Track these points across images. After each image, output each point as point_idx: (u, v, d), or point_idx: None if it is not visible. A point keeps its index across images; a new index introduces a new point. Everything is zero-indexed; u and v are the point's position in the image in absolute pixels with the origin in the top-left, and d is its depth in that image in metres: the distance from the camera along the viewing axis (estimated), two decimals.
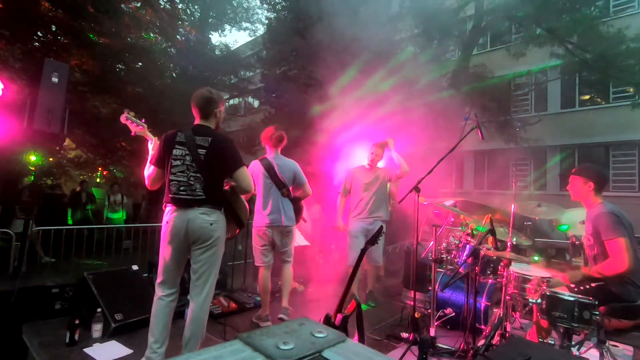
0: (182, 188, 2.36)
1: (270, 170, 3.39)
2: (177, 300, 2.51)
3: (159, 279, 2.46)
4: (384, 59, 9.37)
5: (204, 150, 2.36)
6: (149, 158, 2.54)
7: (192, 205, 2.34)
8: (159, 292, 2.46)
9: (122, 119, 2.57)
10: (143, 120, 2.61)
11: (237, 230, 2.63)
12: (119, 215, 8.87)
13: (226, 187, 2.52)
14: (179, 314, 2.96)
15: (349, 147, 5.55)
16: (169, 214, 2.40)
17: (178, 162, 2.37)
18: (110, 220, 8.53)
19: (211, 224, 2.36)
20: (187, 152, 2.37)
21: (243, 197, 3.68)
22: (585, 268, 2.69)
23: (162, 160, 2.45)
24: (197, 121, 2.52)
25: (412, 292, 3.02)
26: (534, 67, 11.55)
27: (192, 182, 2.35)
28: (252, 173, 3.40)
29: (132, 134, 2.63)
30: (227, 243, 2.62)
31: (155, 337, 2.39)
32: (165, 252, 2.43)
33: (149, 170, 2.52)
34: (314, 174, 6.34)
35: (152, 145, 2.60)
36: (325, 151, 6.82)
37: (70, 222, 7.98)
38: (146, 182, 2.55)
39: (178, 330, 2.61)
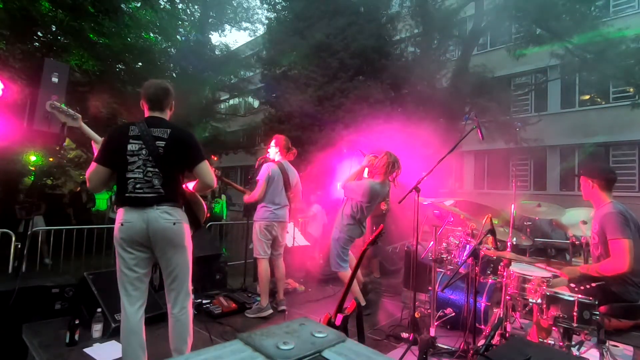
0: (138, 186, 2.13)
1: (284, 173, 3.85)
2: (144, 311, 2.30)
3: (121, 293, 2.23)
4: (384, 60, 9.38)
5: (163, 143, 2.15)
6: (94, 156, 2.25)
7: (150, 203, 2.13)
8: (125, 307, 2.21)
9: (47, 107, 2.34)
10: (78, 110, 2.43)
11: (193, 231, 2.42)
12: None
13: (187, 189, 2.35)
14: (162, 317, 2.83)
15: (349, 147, 5.55)
16: (123, 215, 2.16)
17: (134, 158, 2.13)
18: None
19: (174, 224, 2.17)
20: (143, 145, 2.13)
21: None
22: (582, 267, 2.67)
23: (111, 158, 2.17)
24: (149, 114, 2.29)
25: (412, 292, 3.02)
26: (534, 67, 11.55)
27: (149, 178, 2.13)
28: (269, 172, 3.77)
29: (62, 126, 2.43)
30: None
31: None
32: (126, 260, 2.20)
33: (92, 169, 2.18)
34: (314, 174, 6.35)
35: (99, 144, 2.35)
36: (326, 151, 6.82)
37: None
38: (88, 183, 2.23)
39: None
